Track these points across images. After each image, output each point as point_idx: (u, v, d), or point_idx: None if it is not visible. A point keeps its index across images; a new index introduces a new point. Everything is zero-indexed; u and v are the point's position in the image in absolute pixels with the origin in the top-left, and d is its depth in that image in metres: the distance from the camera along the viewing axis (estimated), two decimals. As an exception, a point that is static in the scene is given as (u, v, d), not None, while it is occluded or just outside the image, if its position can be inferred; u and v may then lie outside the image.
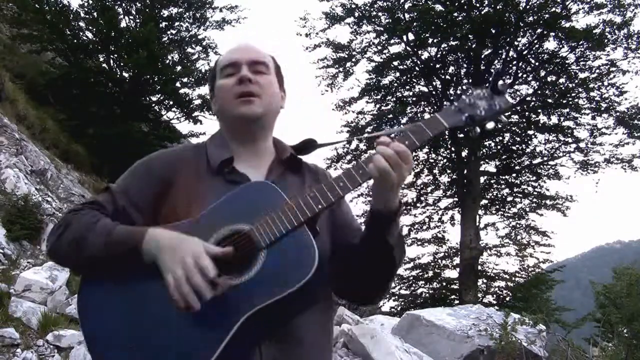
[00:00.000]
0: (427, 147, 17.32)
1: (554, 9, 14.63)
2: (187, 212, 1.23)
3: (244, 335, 1.10)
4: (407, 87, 17.49)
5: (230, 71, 1.37)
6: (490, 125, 1.27)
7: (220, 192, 1.23)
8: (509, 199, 17.45)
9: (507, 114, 1.27)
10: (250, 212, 1.18)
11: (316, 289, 1.21)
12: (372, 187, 1.22)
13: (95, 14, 14.25)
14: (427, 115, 17.27)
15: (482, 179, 16.68)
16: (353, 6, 16.04)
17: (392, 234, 1.23)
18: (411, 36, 16.02)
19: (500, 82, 1.27)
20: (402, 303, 17.01)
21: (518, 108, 16.52)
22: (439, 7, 15.38)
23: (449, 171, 17.74)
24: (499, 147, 17.26)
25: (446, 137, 17.43)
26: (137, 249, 1.17)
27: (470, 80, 16.63)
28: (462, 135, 16.88)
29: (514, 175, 17.24)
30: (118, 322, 1.18)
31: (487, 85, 1.29)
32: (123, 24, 14.87)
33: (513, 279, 16.79)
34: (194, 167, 1.33)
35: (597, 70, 15.21)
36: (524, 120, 16.75)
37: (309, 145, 1.45)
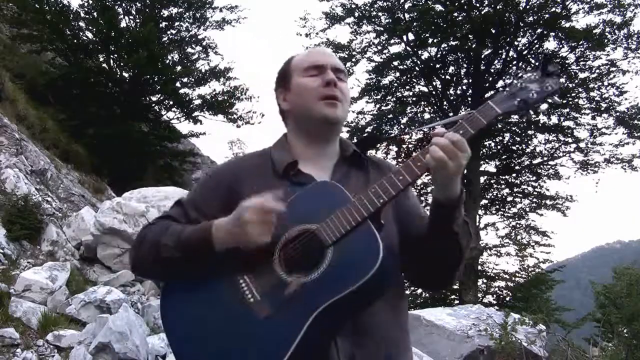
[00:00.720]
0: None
1: (554, 9, 14.63)
2: None
3: (319, 331, 1.13)
4: (407, 87, 17.50)
5: (315, 72, 1.41)
6: (543, 106, 1.28)
7: (287, 195, 1.27)
8: (509, 199, 17.47)
9: (558, 94, 1.29)
10: (316, 211, 1.21)
11: (388, 281, 1.25)
12: (431, 178, 1.25)
13: (95, 14, 14.23)
14: (427, 115, 17.35)
15: (482, 179, 16.69)
16: (353, 6, 16.05)
17: (456, 221, 1.26)
18: (411, 36, 16.03)
19: (550, 63, 1.28)
20: (402, 303, 17.00)
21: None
22: (439, 7, 15.38)
23: (449, 171, 17.71)
24: (499, 147, 17.27)
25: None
26: (207, 241, 1.22)
27: (470, 80, 16.64)
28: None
29: (514, 175, 17.25)
30: (195, 328, 1.25)
31: (537, 67, 1.30)
32: (123, 24, 14.85)
33: (513, 279, 16.79)
34: (260, 173, 1.38)
35: (597, 70, 15.21)
36: (524, 120, 16.74)
37: (371, 141, 1.50)
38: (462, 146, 1.18)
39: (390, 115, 16.99)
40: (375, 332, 1.24)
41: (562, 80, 1.29)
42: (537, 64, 1.31)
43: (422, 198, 17.70)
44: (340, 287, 1.11)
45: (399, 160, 17.13)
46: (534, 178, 16.95)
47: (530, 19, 14.99)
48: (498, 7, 14.86)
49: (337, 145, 1.46)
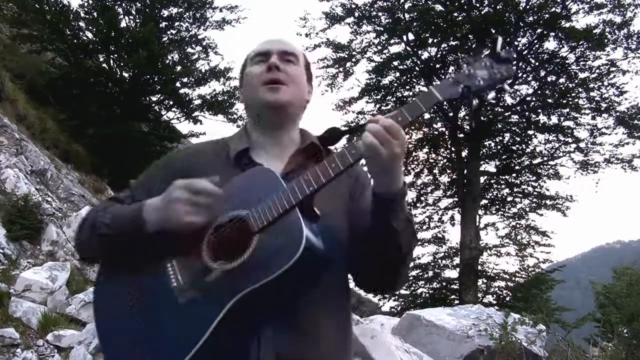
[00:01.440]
0: (427, 146, 17.36)
1: (554, 9, 14.64)
2: None
3: (233, 323, 1.09)
4: (407, 87, 17.50)
5: (260, 59, 1.39)
6: (491, 95, 1.20)
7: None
8: (509, 199, 17.47)
9: (508, 82, 1.19)
10: (249, 197, 1.18)
11: (330, 278, 1.20)
12: (367, 168, 1.19)
13: (95, 14, 14.23)
14: (427, 115, 17.34)
15: (482, 179, 16.69)
16: (353, 6, 16.06)
17: (397, 217, 1.18)
18: (411, 36, 16.05)
19: (503, 49, 1.18)
20: (402, 303, 17.02)
21: (518, 108, 16.53)
22: (439, 7, 15.40)
23: (449, 171, 17.75)
24: (499, 147, 17.27)
25: (446, 136, 17.48)
26: (138, 220, 1.19)
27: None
28: (462, 135, 16.89)
29: (514, 175, 17.26)
30: (120, 315, 1.22)
31: (488, 53, 1.20)
32: (123, 24, 14.85)
33: (513, 279, 16.79)
34: (214, 160, 1.35)
35: (597, 70, 15.22)
36: (524, 120, 16.76)
37: (333, 134, 1.43)
38: (395, 132, 1.10)
39: (390, 115, 16.98)
40: (314, 331, 1.20)
41: (514, 67, 1.20)
42: (489, 47, 1.21)
43: (422, 198, 17.73)
44: (259, 276, 1.07)
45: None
46: (534, 178, 16.95)
47: (530, 19, 15.00)
48: (498, 7, 14.87)
49: (296, 135, 1.42)
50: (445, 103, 16.34)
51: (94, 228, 1.25)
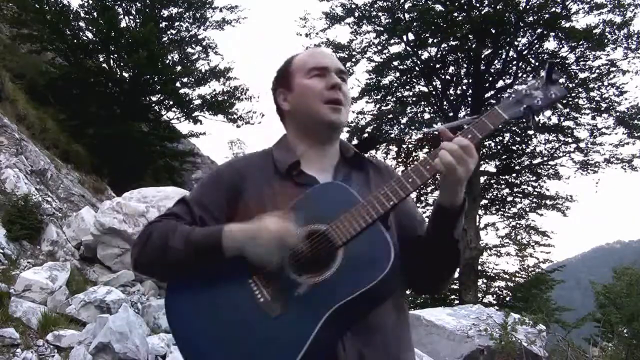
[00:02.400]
0: (427, 146, 17.36)
1: (554, 9, 14.63)
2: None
3: (329, 330, 1.14)
4: (407, 87, 17.50)
5: (317, 73, 1.40)
6: (547, 113, 1.32)
7: (291, 195, 1.29)
8: (509, 199, 17.48)
9: (563, 101, 1.32)
10: (325, 212, 1.22)
11: (395, 282, 1.27)
12: (439, 183, 1.27)
13: (95, 14, 14.22)
14: (427, 115, 17.36)
15: (482, 179, 16.69)
16: (353, 6, 16.05)
17: (458, 227, 1.29)
18: (411, 36, 16.04)
19: (555, 72, 1.30)
20: (402, 303, 17.02)
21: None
22: (439, 7, 15.39)
23: (449, 171, 17.72)
24: (499, 147, 17.27)
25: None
26: (217, 247, 1.21)
27: (470, 80, 16.64)
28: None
29: (514, 175, 17.26)
30: (206, 327, 1.22)
31: (541, 75, 1.32)
32: (123, 24, 14.85)
33: (513, 279, 16.81)
34: (262, 172, 1.38)
35: (597, 70, 15.21)
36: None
37: (370, 142, 1.51)
38: (470, 151, 1.19)
39: (390, 115, 16.99)
40: (384, 331, 1.25)
41: (565, 87, 1.34)
42: (541, 70, 1.35)
43: (422, 198, 17.72)
44: (352, 288, 1.12)
45: (399, 160, 17.12)
46: (534, 178, 16.96)
47: (530, 19, 14.99)
48: (498, 7, 14.86)
49: (338, 146, 1.46)
50: (445, 103, 16.32)
51: (165, 252, 1.26)
